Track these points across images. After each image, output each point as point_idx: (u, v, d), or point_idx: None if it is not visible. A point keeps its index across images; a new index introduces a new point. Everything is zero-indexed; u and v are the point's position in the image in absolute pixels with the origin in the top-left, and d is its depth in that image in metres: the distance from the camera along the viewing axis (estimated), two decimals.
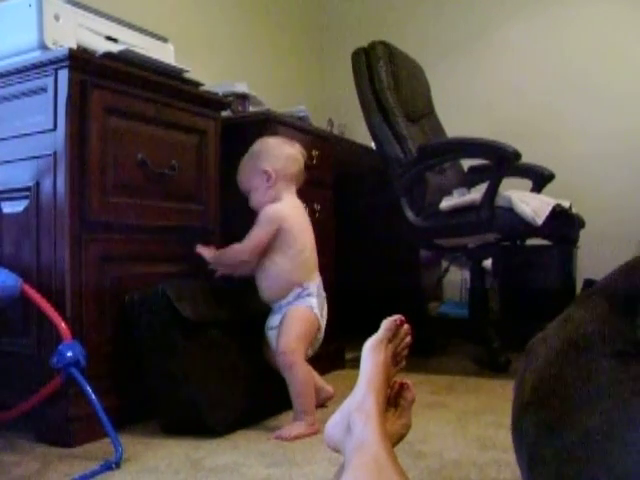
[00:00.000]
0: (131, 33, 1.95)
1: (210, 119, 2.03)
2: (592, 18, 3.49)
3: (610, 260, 3.50)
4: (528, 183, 2.89)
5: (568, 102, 3.51)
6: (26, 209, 1.65)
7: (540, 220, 2.24)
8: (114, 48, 1.78)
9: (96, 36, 1.83)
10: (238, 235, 2.14)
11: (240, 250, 1.80)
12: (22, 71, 1.66)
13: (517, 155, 2.31)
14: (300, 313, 1.77)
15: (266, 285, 1.82)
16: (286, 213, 1.82)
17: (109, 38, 1.87)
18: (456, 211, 2.45)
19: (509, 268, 2.87)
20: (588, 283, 3.15)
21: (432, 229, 2.56)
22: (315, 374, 1.89)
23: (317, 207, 2.43)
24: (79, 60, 1.61)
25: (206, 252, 1.85)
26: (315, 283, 1.83)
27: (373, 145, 2.87)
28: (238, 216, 2.24)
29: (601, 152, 3.42)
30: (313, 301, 1.79)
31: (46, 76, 1.62)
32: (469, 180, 2.98)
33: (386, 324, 1.18)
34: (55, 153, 1.59)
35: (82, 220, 1.61)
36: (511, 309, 2.82)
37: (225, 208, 2.09)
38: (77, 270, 1.59)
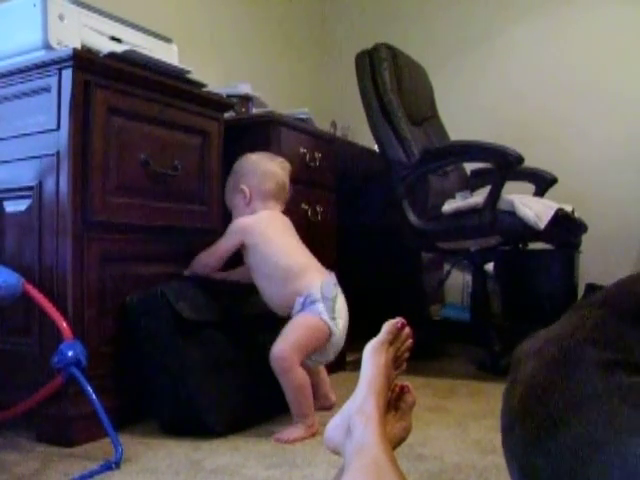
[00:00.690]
0: (135, 33, 1.96)
1: (213, 120, 2.03)
2: (596, 22, 3.49)
3: (612, 265, 3.53)
4: (531, 187, 2.89)
5: (572, 106, 3.51)
6: (28, 208, 1.65)
7: (542, 224, 2.24)
8: (118, 48, 1.78)
9: (100, 36, 1.83)
10: None
11: (204, 262, 1.85)
12: (26, 71, 1.66)
13: (520, 159, 2.31)
14: (304, 319, 1.72)
15: (271, 305, 1.82)
16: (250, 225, 1.82)
17: (113, 38, 1.87)
18: (458, 214, 2.45)
19: (511, 272, 2.87)
20: (590, 287, 3.16)
21: (434, 232, 2.56)
22: (325, 379, 1.89)
23: (319, 209, 2.44)
24: (83, 60, 1.61)
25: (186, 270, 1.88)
26: (317, 286, 1.74)
27: (376, 147, 2.87)
28: None
29: (604, 156, 3.42)
30: (319, 307, 1.71)
31: (50, 76, 1.62)
32: (472, 183, 2.98)
33: (387, 327, 1.18)
34: (58, 153, 1.60)
35: (84, 220, 1.61)
36: (513, 313, 2.83)
37: (227, 209, 2.09)
38: (79, 270, 1.59)
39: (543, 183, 2.87)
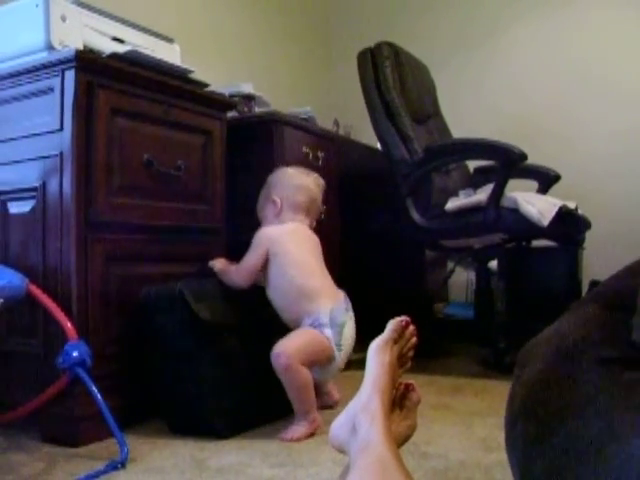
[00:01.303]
0: (137, 34, 1.96)
1: (216, 119, 2.04)
2: (600, 20, 3.48)
3: (616, 261, 3.49)
4: (534, 184, 2.89)
5: (575, 103, 3.50)
6: (33, 209, 1.65)
7: (546, 221, 2.24)
8: (120, 49, 1.78)
9: (102, 37, 1.83)
10: (244, 235, 2.15)
11: (234, 276, 1.80)
12: (29, 72, 1.67)
13: (523, 156, 2.30)
14: (312, 331, 1.71)
15: (280, 316, 1.81)
16: (277, 235, 1.80)
17: (115, 39, 1.87)
18: (462, 212, 2.44)
19: (515, 269, 2.86)
20: (594, 284, 3.15)
21: (438, 230, 2.55)
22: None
23: (322, 207, 2.43)
24: (85, 61, 1.61)
25: (217, 264, 1.84)
26: (326, 311, 1.73)
27: (379, 146, 2.87)
28: (244, 216, 2.25)
29: (607, 153, 3.41)
30: (327, 332, 1.71)
31: (53, 77, 1.62)
32: (475, 181, 2.97)
33: (392, 325, 1.18)
34: (61, 153, 1.60)
35: (88, 220, 1.61)
36: (517, 310, 2.82)
37: (231, 208, 2.09)
38: (83, 270, 1.59)
39: (546, 180, 2.87)
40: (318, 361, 1.71)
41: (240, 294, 1.81)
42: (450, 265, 3.51)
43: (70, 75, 1.60)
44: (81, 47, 1.70)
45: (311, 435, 1.63)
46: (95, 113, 1.62)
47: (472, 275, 3.43)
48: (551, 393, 0.69)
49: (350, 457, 1.01)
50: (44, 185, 1.63)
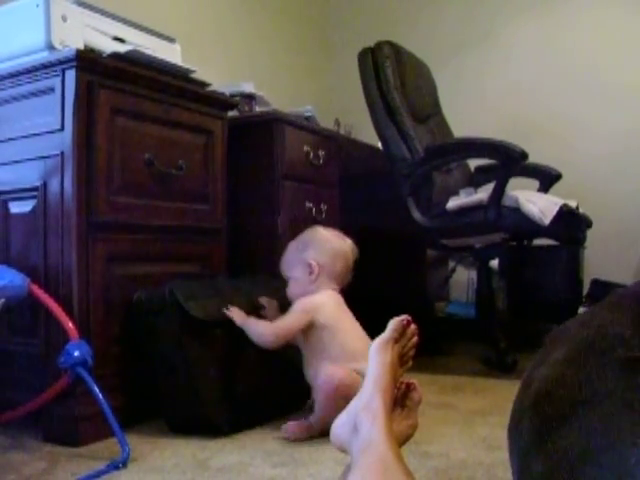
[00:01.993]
0: (138, 33, 1.96)
1: (217, 119, 2.03)
2: (600, 18, 3.48)
3: (617, 260, 3.52)
4: (535, 183, 2.89)
5: (576, 102, 3.50)
6: (34, 209, 1.65)
7: (547, 220, 2.24)
8: (121, 48, 1.78)
9: (103, 36, 1.83)
10: (245, 235, 2.16)
11: (266, 332, 1.70)
12: (30, 71, 1.67)
13: (524, 155, 2.30)
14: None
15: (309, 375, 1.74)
16: (321, 304, 1.72)
17: (116, 38, 1.87)
18: (463, 211, 2.44)
19: (516, 268, 2.86)
20: (596, 283, 3.15)
21: (439, 229, 2.56)
22: None
23: (324, 207, 2.44)
24: (86, 60, 1.61)
25: (236, 315, 1.74)
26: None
27: (380, 145, 2.87)
28: (245, 216, 2.25)
29: (608, 152, 3.41)
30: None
31: (54, 76, 1.62)
32: (476, 180, 2.97)
33: (393, 324, 1.18)
34: (62, 153, 1.60)
35: (89, 220, 1.61)
36: (518, 309, 2.82)
37: (232, 208, 2.09)
38: (84, 270, 1.59)
39: (547, 179, 2.87)
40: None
41: (231, 291, 1.81)
42: (451, 264, 3.51)
43: (71, 75, 1.60)
44: (82, 47, 1.70)
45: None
46: (96, 113, 1.62)
47: (473, 274, 3.44)
48: (562, 389, 0.64)
49: (351, 456, 1.01)
50: (45, 185, 1.63)
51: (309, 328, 1.70)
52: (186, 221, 1.90)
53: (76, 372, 1.45)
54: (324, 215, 2.43)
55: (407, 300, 3.01)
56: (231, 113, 2.21)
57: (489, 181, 2.71)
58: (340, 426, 1.09)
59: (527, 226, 2.31)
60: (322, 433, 1.55)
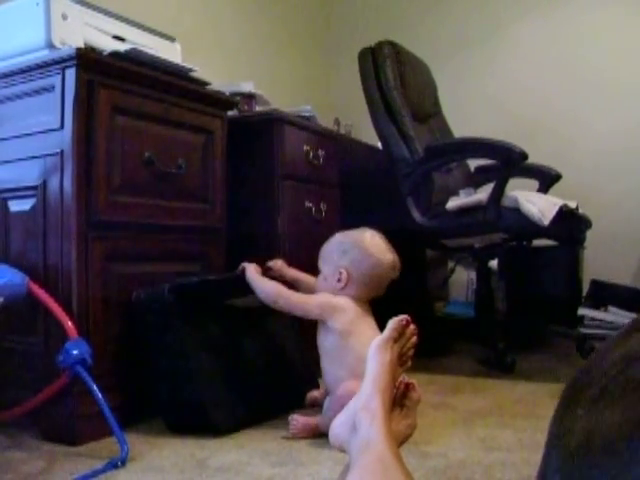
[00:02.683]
0: (138, 32, 1.96)
1: (217, 118, 2.03)
2: (603, 17, 3.48)
3: (617, 260, 3.51)
4: (535, 183, 2.89)
5: (576, 102, 3.50)
6: (33, 208, 1.65)
7: (547, 220, 2.24)
8: (121, 47, 1.78)
9: (103, 35, 1.83)
10: (244, 235, 2.15)
11: (271, 292, 1.70)
12: (30, 70, 1.66)
13: (523, 155, 2.30)
14: None
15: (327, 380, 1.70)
16: (341, 309, 1.67)
17: (116, 37, 1.87)
18: (462, 211, 2.44)
19: (515, 268, 2.87)
20: (595, 284, 3.15)
21: (438, 229, 2.55)
22: None
23: (323, 206, 2.44)
24: (86, 59, 1.61)
25: (249, 268, 1.75)
26: None
27: (379, 145, 2.87)
28: (244, 215, 2.25)
29: (608, 152, 3.41)
30: None
31: (54, 75, 1.62)
32: (475, 180, 2.97)
33: (392, 324, 1.19)
34: (62, 152, 1.60)
35: (89, 219, 1.61)
36: (517, 310, 2.82)
37: (231, 207, 2.09)
38: (83, 269, 1.59)
39: (547, 179, 2.87)
40: None
41: (230, 288, 1.81)
42: (450, 264, 3.51)
43: (71, 73, 1.60)
44: (82, 45, 1.70)
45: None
46: (96, 111, 1.62)
47: (472, 274, 3.44)
48: (588, 386, 0.56)
49: (350, 456, 1.01)
50: (44, 184, 1.63)
51: (324, 332, 1.68)
52: (186, 220, 1.90)
53: (75, 371, 1.45)
54: (324, 215, 2.43)
55: (406, 300, 3.01)
56: (231, 112, 2.21)
57: (489, 181, 2.71)
58: (339, 426, 1.10)
59: (527, 226, 2.31)
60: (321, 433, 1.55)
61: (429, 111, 3.00)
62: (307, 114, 2.60)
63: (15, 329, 1.68)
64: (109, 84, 1.67)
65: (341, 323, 1.65)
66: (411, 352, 1.22)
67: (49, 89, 1.64)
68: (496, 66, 3.74)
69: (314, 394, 1.87)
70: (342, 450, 1.08)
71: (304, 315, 1.70)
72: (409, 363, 1.22)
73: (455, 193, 2.63)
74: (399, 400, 1.19)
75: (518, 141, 2.34)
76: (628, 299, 3.00)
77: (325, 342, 1.68)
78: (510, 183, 2.37)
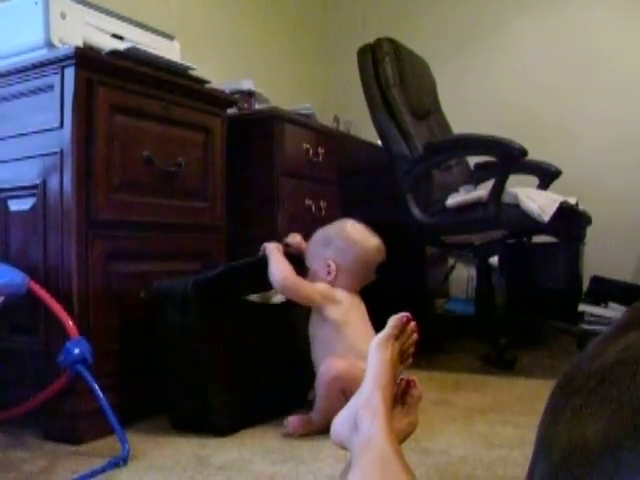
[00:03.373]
0: (137, 31, 1.96)
1: (216, 116, 2.03)
2: (603, 14, 3.48)
3: (617, 257, 3.51)
4: (535, 180, 2.89)
5: (577, 99, 3.50)
6: (33, 207, 1.65)
7: (547, 217, 2.24)
8: (120, 46, 1.78)
9: (102, 34, 1.83)
10: (244, 233, 2.15)
11: (278, 272, 1.69)
12: (29, 69, 1.66)
13: (523, 152, 2.30)
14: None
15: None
16: (339, 299, 1.69)
17: (115, 36, 1.87)
18: (462, 208, 2.44)
19: (516, 265, 2.87)
20: (596, 280, 3.15)
21: (438, 226, 2.55)
22: None
23: (323, 204, 2.44)
24: (85, 58, 1.61)
25: (269, 245, 1.74)
26: None
27: (379, 142, 2.87)
28: (244, 213, 2.25)
29: (608, 149, 3.41)
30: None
31: (53, 74, 1.62)
32: (475, 177, 2.97)
33: (393, 321, 1.18)
34: (62, 151, 1.60)
35: (89, 218, 1.61)
36: (518, 306, 2.82)
37: (231, 205, 2.09)
38: (84, 267, 1.59)
39: (547, 176, 2.87)
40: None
41: (248, 285, 1.79)
42: (451, 261, 3.52)
43: (70, 72, 1.59)
44: (81, 44, 1.70)
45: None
46: (95, 110, 1.62)
47: (473, 271, 3.44)
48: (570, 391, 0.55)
49: (352, 453, 1.01)
50: (44, 183, 1.63)
51: (320, 321, 1.70)
52: (185, 218, 1.90)
53: (76, 370, 1.45)
54: (324, 212, 2.43)
55: (407, 297, 3.01)
56: (230, 111, 2.21)
57: (489, 178, 2.71)
58: (340, 423, 1.10)
59: (527, 223, 2.31)
60: (322, 430, 1.55)
61: (428, 108, 3.00)
62: (306, 112, 2.60)
63: (16, 328, 1.68)
64: (108, 83, 1.66)
65: (337, 313, 1.67)
66: (412, 349, 1.22)
67: (48, 88, 1.63)
68: (496, 63, 3.74)
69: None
70: (343, 448, 1.08)
71: (306, 301, 1.71)
72: (410, 360, 1.22)
73: (455, 190, 2.63)
74: (400, 397, 1.19)
75: (518, 138, 2.34)
76: (628, 295, 3.00)
77: (319, 331, 1.70)
78: (510, 180, 2.37)
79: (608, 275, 3.15)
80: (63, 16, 1.70)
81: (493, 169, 2.65)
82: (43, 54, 1.66)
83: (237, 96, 2.40)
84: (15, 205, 1.70)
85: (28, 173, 1.66)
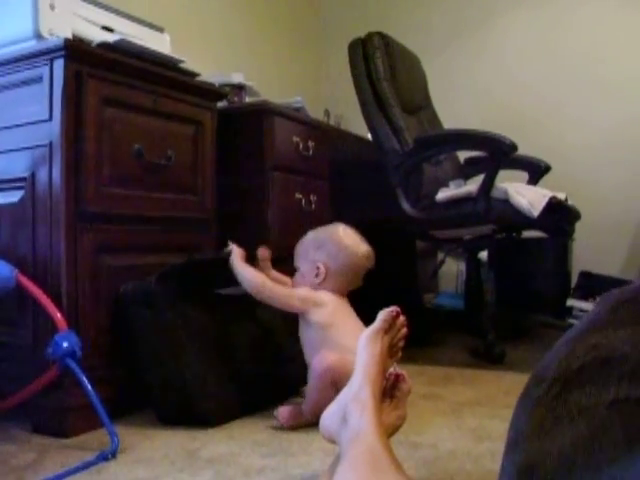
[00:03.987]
0: (127, 23, 1.94)
1: (206, 110, 2.03)
2: (593, 11, 3.48)
3: (606, 252, 3.53)
4: (524, 175, 2.90)
5: (566, 94, 3.51)
6: (21, 200, 1.64)
7: (536, 212, 2.25)
8: (110, 38, 1.76)
9: (92, 26, 1.82)
10: (234, 226, 2.15)
11: (255, 281, 1.70)
12: (17, 61, 1.65)
13: (513, 147, 2.31)
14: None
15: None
16: (322, 302, 1.70)
17: (105, 28, 1.85)
18: (452, 202, 2.45)
19: (505, 260, 2.88)
20: (584, 275, 3.17)
21: (428, 220, 2.56)
22: None
23: (313, 198, 2.44)
24: (75, 50, 1.60)
25: (234, 252, 1.75)
26: None
27: (369, 136, 2.87)
28: (234, 207, 2.24)
29: (598, 144, 3.43)
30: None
31: (42, 66, 1.61)
32: (465, 172, 2.98)
33: (382, 315, 1.19)
34: (51, 143, 1.59)
35: (78, 211, 1.60)
36: (506, 301, 2.83)
37: (221, 199, 2.09)
38: (73, 260, 1.58)
39: (537, 171, 2.88)
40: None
41: (215, 276, 1.80)
42: (440, 256, 3.52)
43: (59, 64, 1.58)
44: (70, 36, 1.69)
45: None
46: (84, 103, 1.61)
47: (462, 266, 3.45)
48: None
49: (340, 447, 1.01)
50: (33, 175, 1.62)
51: (305, 326, 1.71)
52: (175, 212, 1.90)
53: (65, 363, 1.45)
54: (314, 206, 2.43)
55: (396, 291, 3.02)
56: (220, 104, 2.21)
57: (479, 173, 2.72)
58: (329, 417, 1.10)
59: (516, 218, 2.32)
60: (312, 423, 1.55)
61: (419, 103, 3.00)
62: (297, 105, 2.60)
63: (4, 321, 1.68)
64: (98, 75, 1.65)
65: (321, 316, 1.68)
66: (401, 343, 1.22)
67: (37, 80, 1.62)
68: (486, 58, 3.74)
69: None
70: (332, 441, 1.09)
71: (286, 307, 1.72)
72: (399, 354, 1.22)
73: (445, 185, 2.63)
74: (389, 391, 1.19)
75: (508, 133, 2.35)
76: None
77: (305, 334, 1.72)
78: (500, 175, 2.37)
79: (596, 270, 3.17)
80: (52, 7, 1.69)
81: (483, 164, 2.65)
82: (32, 46, 1.64)
83: (227, 89, 2.39)
84: (3, 198, 1.69)
85: (17, 165, 1.65)
